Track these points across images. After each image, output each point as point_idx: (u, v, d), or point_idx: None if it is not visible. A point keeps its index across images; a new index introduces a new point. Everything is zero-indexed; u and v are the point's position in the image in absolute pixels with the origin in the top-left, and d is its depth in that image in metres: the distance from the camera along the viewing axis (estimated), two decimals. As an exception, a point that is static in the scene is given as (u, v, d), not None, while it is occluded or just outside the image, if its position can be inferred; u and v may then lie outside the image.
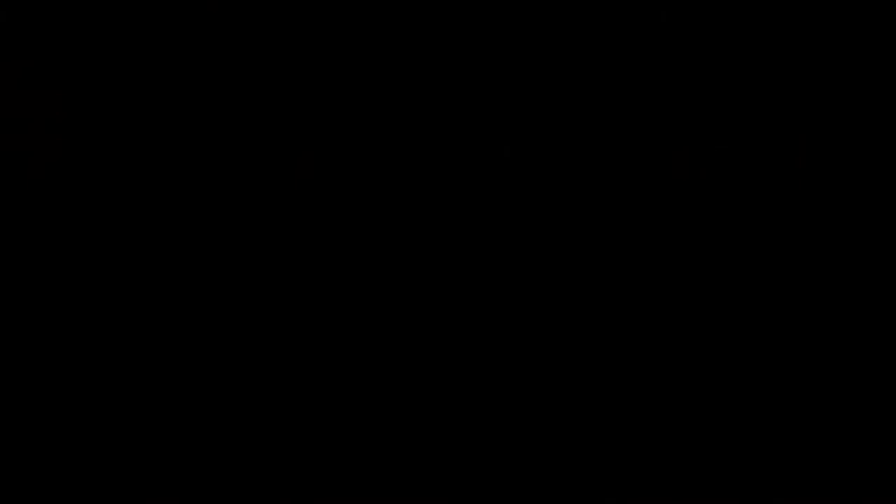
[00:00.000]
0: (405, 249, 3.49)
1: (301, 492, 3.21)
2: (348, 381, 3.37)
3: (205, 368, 3.35)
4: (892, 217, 3.49)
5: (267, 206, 3.49)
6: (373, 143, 3.53)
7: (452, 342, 3.42)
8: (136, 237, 3.45)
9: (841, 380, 3.38)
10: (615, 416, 3.34)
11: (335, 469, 3.25)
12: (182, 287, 3.42)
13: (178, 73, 3.51)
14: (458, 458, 3.28)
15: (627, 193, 3.52)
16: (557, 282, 3.48)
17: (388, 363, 3.39)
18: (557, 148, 3.54)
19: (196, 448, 3.25)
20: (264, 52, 3.52)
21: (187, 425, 3.28)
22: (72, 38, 3.49)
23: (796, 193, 3.51)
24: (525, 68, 3.54)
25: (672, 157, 3.53)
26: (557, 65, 3.55)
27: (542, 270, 3.49)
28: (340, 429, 3.30)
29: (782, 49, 3.54)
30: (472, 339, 3.42)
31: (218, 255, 3.46)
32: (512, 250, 3.50)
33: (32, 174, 3.45)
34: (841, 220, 3.50)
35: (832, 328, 3.43)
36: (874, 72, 3.53)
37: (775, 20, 3.54)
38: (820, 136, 3.53)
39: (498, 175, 3.52)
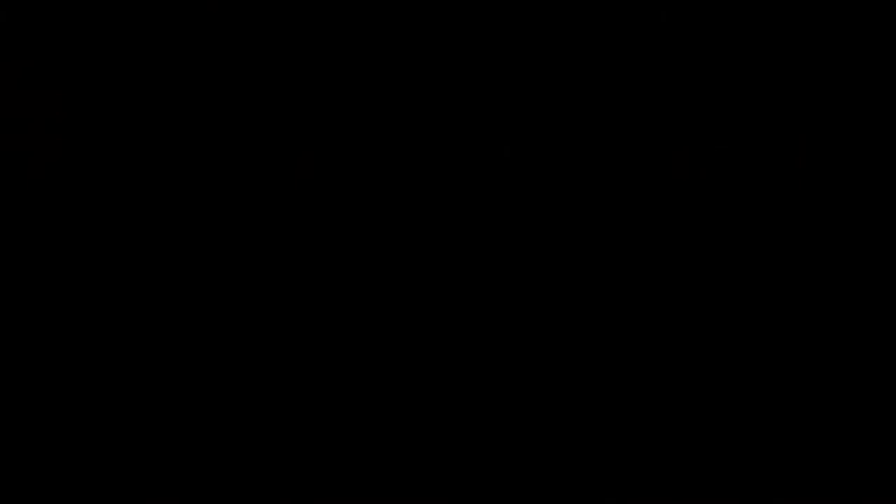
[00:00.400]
0: (405, 249, 3.49)
1: (301, 492, 3.21)
2: (348, 381, 3.37)
3: (205, 368, 3.35)
4: (892, 217, 3.49)
5: (267, 207, 3.49)
6: (373, 143, 3.53)
7: (452, 342, 3.42)
8: (137, 237, 3.45)
9: (841, 380, 3.38)
10: (615, 416, 3.34)
11: (335, 469, 3.25)
12: (182, 287, 3.42)
13: (178, 74, 3.51)
14: (458, 458, 3.28)
15: (627, 193, 3.52)
16: (557, 282, 3.48)
17: (388, 363, 3.39)
18: (557, 148, 3.54)
19: (196, 448, 3.25)
20: (264, 52, 3.52)
21: (187, 425, 3.28)
22: (72, 38, 3.49)
23: (796, 193, 3.51)
24: (525, 68, 3.54)
25: (672, 157, 3.53)
26: (557, 65, 3.55)
27: (543, 270, 3.49)
28: (340, 429, 3.30)
29: (782, 49, 3.54)
30: (472, 339, 3.42)
31: (218, 255, 3.46)
32: (512, 250, 3.50)
33: (32, 174, 3.45)
34: (841, 220, 3.50)
35: (832, 328, 3.43)
36: (874, 72, 3.53)
37: (775, 20, 3.54)
38: (820, 136, 3.53)
39: (498, 175, 3.52)
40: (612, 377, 3.39)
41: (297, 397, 3.33)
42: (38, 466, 3.19)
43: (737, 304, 3.45)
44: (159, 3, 3.50)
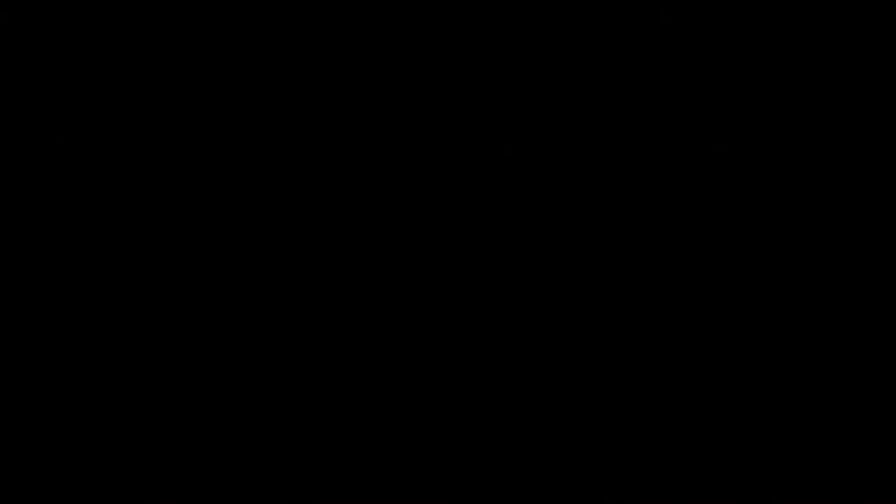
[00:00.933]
0: (405, 249, 3.49)
1: (301, 492, 3.21)
2: (348, 381, 3.37)
3: (205, 368, 3.35)
4: (893, 217, 3.49)
5: (267, 207, 3.49)
6: (373, 143, 3.53)
7: (452, 342, 3.42)
8: (137, 237, 3.45)
9: (841, 380, 3.38)
10: (615, 416, 3.34)
11: (335, 469, 3.25)
12: (182, 287, 3.42)
13: (178, 73, 3.51)
14: (458, 458, 3.28)
15: (628, 193, 3.52)
16: (557, 282, 3.48)
17: (388, 363, 3.39)
18: (557, 148, 3.54)
19: (196, 448, 3.25)
20: (264, 52, 3.52)
21: (187, 425, 3.28)
22: (72, 38, 3.49)
23: (796, 193, 3.51)
24: (525, 68, 3.54)
25: (672, 157, 3.53)
26: (557, 65, 3.55)
27: (542, 270, 3.49)
28: (340, 429, 3.30)
29: (782, 49, 3.54)
30: (472, 339, 3.42)
31: (218, 255, 3.46)
32: (512, 250, 3.50)
33: (32, 174, 3.45)
34: (841, 220, 3.50)
35: (832, 328, 3.43)
36: (874, 72, 3.53)
37: (775, 20, 3.54)
38: (820, 136, 3.53)
39: (498, 175, 3.52)
40: (612, 377, 3.39)
41: (297, 397, 3.33)
42: (38, 466, 3.19)
43: (737, 304, 3.45)
44: (159, 3, 3.50)
